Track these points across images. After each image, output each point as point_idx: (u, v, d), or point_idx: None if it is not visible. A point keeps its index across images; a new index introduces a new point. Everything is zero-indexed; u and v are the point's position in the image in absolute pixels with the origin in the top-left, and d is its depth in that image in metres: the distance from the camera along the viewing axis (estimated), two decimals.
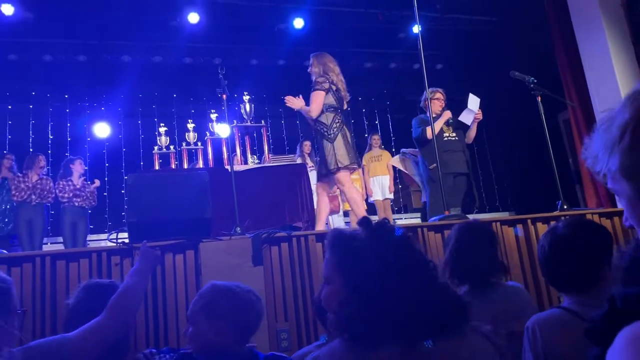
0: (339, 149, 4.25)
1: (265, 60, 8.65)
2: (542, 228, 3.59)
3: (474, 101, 5.08)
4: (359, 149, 7.98)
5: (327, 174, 4.29)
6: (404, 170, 6.60)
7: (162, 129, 6.27)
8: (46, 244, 6.61)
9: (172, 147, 6.15)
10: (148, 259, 1.99)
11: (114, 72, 8.05)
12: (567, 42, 6.28)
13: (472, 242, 2.13)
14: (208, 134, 6.03)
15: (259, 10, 7.64)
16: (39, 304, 2.74)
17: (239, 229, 3.28)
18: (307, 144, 7.50)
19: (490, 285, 2.09)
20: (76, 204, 6.17)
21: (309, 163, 7.09)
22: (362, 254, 1.14)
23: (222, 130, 5.97)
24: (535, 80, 4.36)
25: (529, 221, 3.62)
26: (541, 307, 3.23)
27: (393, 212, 8.11)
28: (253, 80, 7.85)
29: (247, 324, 1.78)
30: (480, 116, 5.13)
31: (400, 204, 9.94)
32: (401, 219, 8.91)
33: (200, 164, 5.85)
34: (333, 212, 7.10)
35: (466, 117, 5.13)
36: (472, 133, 5.25)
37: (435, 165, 4.73)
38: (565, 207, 3.97)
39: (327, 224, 7.25)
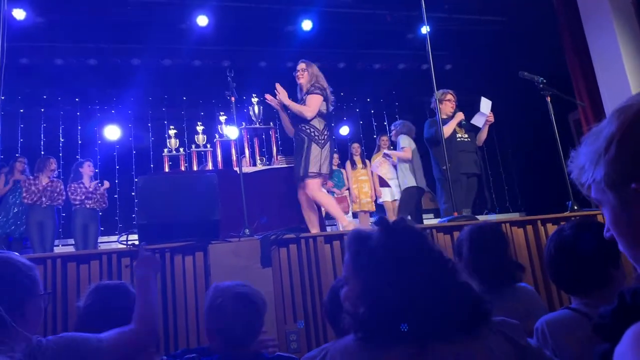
0: (326, 157, 4.31)
1: (274, 62, 8.66)
2: (552, 229, 3.57)
3: (485, 104, 5.10)
4: (368, 150, 8.00)
5: (301, 178, 4.30)
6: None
7: (172, 132, 6.30)
8: (57, 246, 6.66)
9: (181, 149, 6.17)
10: (148, 265, 1.95)
11: (124, 76, 8.11)
12: (577, 41, 6.24)
13: (484, 244, 2.13)
14: (217, 136, 6.05)
15: (267, 12, 7.66)
16: (50, 306, 2.76)
17: (247, 230, 3.29)
18: None
19: (502, 286, 2.09)
20: (88, 206, 6.22)
21: None
22: (376, 253, 1.14)
23: (231, 132, 5.99)
24: (545, 81, 4.34)
25: (539, 222, 3.60)
26: (551, 307, 3.20)
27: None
28: (262, 83, 7.86)
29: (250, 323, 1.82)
30: (491, 119, 5.14)
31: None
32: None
33: (210, 166, 5.87)
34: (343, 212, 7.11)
35: (478, 120, 5.15)
36: (483, 135, 5.26)
37: (448, 165, 4.73)
38: (575, 207, 3.95)
39: (336, 224, 7.27)
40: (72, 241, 6.52)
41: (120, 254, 2.96)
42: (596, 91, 5.92)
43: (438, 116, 4.44)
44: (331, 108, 4.57)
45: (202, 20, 7.45)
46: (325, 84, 4.56)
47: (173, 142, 6.17)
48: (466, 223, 3.45)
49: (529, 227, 3.61)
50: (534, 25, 7.72)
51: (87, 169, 6.39)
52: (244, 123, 5.48)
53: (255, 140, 5.70)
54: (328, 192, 7.25)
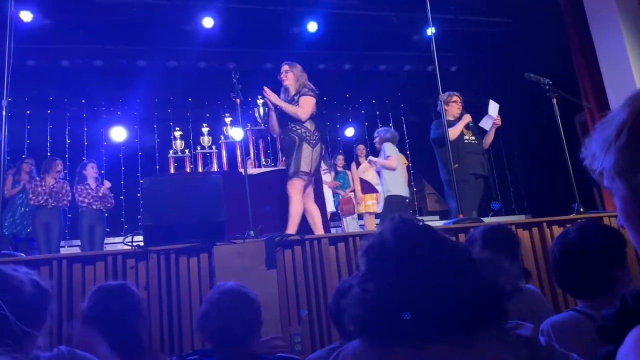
0: (315, 157, 4.36)
1: (279, 64, 8.61)
2: (558, 231, 3.54)
3: (493, 107, 5.10)
4: (373, 151, 7.98)
5: (294, 175, 4.32)
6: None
7: (177, 133, 6.30)
8: (63, 247, 6.69)
9: (187, 150, 6.17)
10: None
11: (130, 77, 8.14)
12: (584, 42, 6.22)
13: (496, 245, 2.13)
14: (222, 138, 6.05)
15: (272, 14, 7.67)
16: (56, 307, 2.76)
17: (252, 232, 3.30)
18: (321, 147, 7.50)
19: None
20: (94, 207, 6.24)
21: (323, 166, 7.09)
22: (388, 250, 1.12)
23: (236, 134, 5.99)
24: (551, 82, 4.33)
25: (544, 224, 3.59)
26: (557, 310, 3.19)
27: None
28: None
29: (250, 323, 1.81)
30: (499, 122, 5.14)
31: (415, 206, 9.90)
32: None
33: (215, 168, 5.88)
34: (348, 213, 7.11)
35: (486, 123, 5.17)
36: (490, 138, 5.26)
37: (457, 165, 4.72)
38: (581, 209, 3.93)
39: (340, 226, 7.27)
40: (77, 242, 6.55)
41: (125, 255, 2.96)
42: (603, 93, 5.89)
43: (443, 118, 4.43)
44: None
45: (208, 22, 7.47)
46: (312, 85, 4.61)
47: (178, 144, 6.17)
48: (471, 225, 3.45)
49: (535, 229, 3.60)
50: (540, 27, 7.69)
51: (91, 171, 6.42)
52: (249, 125, 5.49)
53: (261, 142, 5.71)
54: (333, 193, 7.27)
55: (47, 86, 8.27)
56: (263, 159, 5.54)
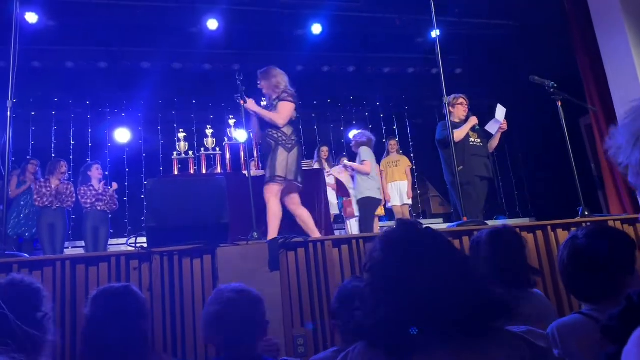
0: (292, 162, 4.29)
1: (284, 66, 8.60)
2: (563, 234, 3.54)
3: (501, 111, 5.11)
4: (377, 154, 7.99)
5: (270, 180, 4.24)
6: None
7: (181, 135, 6.33)
8: (67, 248, 6.70)
9: (191, 152, 6.19)
10: None
11: (134, 79, 8.17)
12: (589, 45, 6.20)
13: (504, 247, 2.13)
14: (226, 140, 6.07)
15: (277, 16, 7.68)
16: (59, 308, 2.77)
17: (256, 234, 3.30)
18: (324, 150, 7.51)
19: (518, 290, 2.09)
20: (98, 208, 6.26)
21: (327, 168, 7.10)
22: (391, 253, 1.12)
23: (240, 135, 6.01)
24: (555, 85, 4.32)
25: (549, 227, 3.58)
26: (561, 313, 3.17)
27: (412, 218, 8.06)
28: None
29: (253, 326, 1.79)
30: (505, 126, 5.15)
31: (419, 209, 9.89)
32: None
33: (219, 169, 5.89)
34: (352, 216, 7.10)
35: (492, 127, 5.18)
36: (495, 142, 5.27)
37: (461, 167, 4.71)
38: (586, 213, 3.92)
39: (344, 228, 7.26)
40: (82, 243, 6.56)
41: (128, 257, 2.96)
42: (608, 95, 5.87)
43: (447, 120, 4.41)
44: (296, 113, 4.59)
45: (213, 24, 7.48)
46: (292, 90, 4.59)
47: (182, 145, 6.19)
48: (475, 228, 3.44)
49: (539, 233, 3.59)
50: (545, 29, 7.68)
51: (96, 172, 6.43)
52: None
53: None
54: (337, 196, 7.26)
55: (51, 87, 8.30)
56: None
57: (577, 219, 3.82)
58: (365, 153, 6.35)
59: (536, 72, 4.48)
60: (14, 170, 6.45)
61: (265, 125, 4.47)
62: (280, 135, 4.37)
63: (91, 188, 6.29)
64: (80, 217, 6.45)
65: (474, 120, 5.14)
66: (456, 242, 3.41)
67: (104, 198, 6.32)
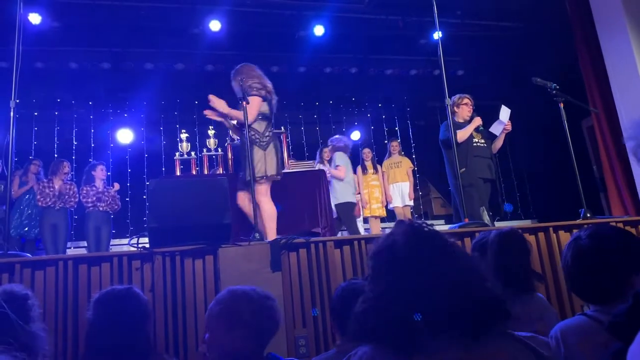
0: (270, 159, 4.15)
1: (286, 67, 8.69)
2: (565, 236, 3.54)
3: (505, 112, 5.05)
4: (379, 155, 7.99)
5: (249, 182, 3.99)
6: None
7: (184, 135, 6.35)
8: (70, 248, 6.72)
9: (193, 153, 6.21)
10: None
11: (137, 80, 8.19)
12: (591, 47, 6.20)
13: (511, 250, 2.13)
14: (228, 140, 6.08)
15: (279, 17, 7.70)
16: (62, 307, 2.78)
17: (257, 234, 3.30)
18: (326, 151, 7.51)
19: (522, 293, 2.09)
20: (100, 208, 6.26)
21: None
22: (399, 254, 1.11)
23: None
24: (558, 87, 4.31)
25: (550, 229, 3.57)
26: (563, 315, 3.17)
27: (413, 219, 8.04)
28: (273, 87, 7.88)
29: (265, 330, 1.75)
30: (509, 128, 5.09)
31: (421, 210, 9.88)
32: None
33: (221, 170, 5.90)
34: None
35: (496, 129, 5.11)
36: (499, 143, 5.21)
37: (464, 169, 4.69)
38: (588, 215, 3.91)
39: (345, 230, 7.25)
40: (84, 243, 6.57)
41: (131, 257, 2.97)
42: (610, 98, 5.87)
43: (449, 121, 4.41)
44: (274, 108, 4.42)
45: (215, 25, 7.50)
46: (266, 83, 4.39)
47: (185, 146, 6.21)
48: (476, 229, 3.44)
49: (541, 234, 3.58)
50: (547, 31, 7.68)
51: (100, 173, 6.44)
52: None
53: None
54: None
55: (54, 88, 8.32)
56: None
57: (579, 221, 3.82)
58: (340, 158, 6.39)
59: (538, 74, 4.48)
60: (17, 170, 6.46)
61: (240, 125, 4.34)
62: (252, 133, 4.20)
63: (94, 188, 6.30)
64: (82, 217, 6.46)
65: (478, 121, 5.10)
66: (458, 244, 3.41)
67: (105, 198, 6.32)
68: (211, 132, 6.20)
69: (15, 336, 1.39)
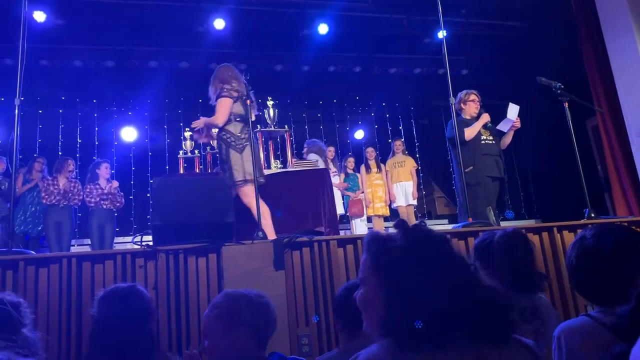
0: (247, 161, 4.02)
1: (290, 65, 8.70)
2: (569, 236, 3.53)
3: (513, 109, 4.90)
4: (383, 154, 7.98)
5: (232, 186, 3.94)
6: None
7: (188, 134, 6.33)
8: (73, 245, 6.74)
9: (197, 151, 6.21)
10: None
11: (141, 78, 8.20)
12: (596, 47, 6.18)
13: (517, 251, 2.13)
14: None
15: (284, 16, 7.70)
16: (65, 305, 2.79)
17: (261, 233, 3.30)
18: (330, 150, 7.51)
19: (528, 293, 2.09)
20: (104, 206, 6.27)
21: (332, 168, 7.10)
22: (399, 255, 1.11)
23: None
24: (562, 86, 4.29)
25: (555, 229, 3.56)
26: (567, 315, 3.17)
27: (417, 219, 8.04)
28: (277, 86, 7.91)
29: (263, 328, 1.76)
30: (518, 124, 4.93)
31: (424, 210, 9.87)
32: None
33: None
34: (357, 216, 7.11)
35: (504, 126, 4.96)
36: (507, 140, 5.06)
37: (471, 167, 4.65)
38: (592, 215, 3.90)
39: (349, 228, 7.26)
40: (88, 241, 6.59)
41: (134, 255, 2.98)
42: (615, 97, 5.85)
43: (453, 120, 4.40)
44: (255, 110, 4.33)
45: (219, 24, 7.50)
46: (238, 85, 4.28)
47: (188, 144, 6.21)
48: (480, 229, 3.43)
49: (545, 234, 3.57)
50: (552, 31, 7.65)
51: (104, 171, 6.45)
52: (259, 126, 5.50)
53: (270, 143, 5.71)
54: (343, 195, 7.27)
55: (59, 86, 8.34)
56: (273, 160, 5.54)
57: (583, 221, 3.81)
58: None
59: (543, 73, 4.46)
60: (21, 168, 6.48)
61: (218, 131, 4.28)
62: (228, 136, 4.13)
63: (97, 187, 6.31)
64: (86, 214, 6.48)
65: (486, 117, 4.93)
66: (461, 243, 3.41)
67: (109, 196, 6.33)
68: (215, 131, 6.19)
69: (16, 334, 1.40)
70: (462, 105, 5.02)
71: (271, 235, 3.83)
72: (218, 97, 4.17)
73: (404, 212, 7.36)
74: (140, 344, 1.86)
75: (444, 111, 8.95)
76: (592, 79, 6.31)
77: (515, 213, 9.20)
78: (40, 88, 7.97)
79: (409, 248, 1.11)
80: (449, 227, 6.55)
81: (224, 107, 4.13)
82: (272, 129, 5.46)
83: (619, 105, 5.78)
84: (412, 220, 7.42)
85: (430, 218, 9.94)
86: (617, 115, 5.87)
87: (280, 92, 7.82)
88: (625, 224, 3.67)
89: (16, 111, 3.46)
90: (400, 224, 1.19)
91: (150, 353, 1.92)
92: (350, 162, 7.57)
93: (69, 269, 2.85)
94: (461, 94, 5.02)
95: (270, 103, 5.46)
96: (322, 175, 5.20)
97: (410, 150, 8.56)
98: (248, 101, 4.11)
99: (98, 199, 6.25)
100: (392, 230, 1.20)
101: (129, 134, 8.56)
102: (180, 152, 6.20)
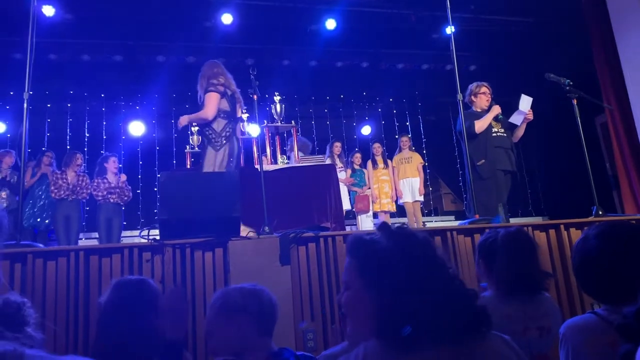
0: (222, 160, 4.01)
1: (297, 61, 8.69)
2: (576, 233, 3.52)
3: (526, 101, 4.79)
4: (389, 150, 7.97)
5: None
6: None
7: (195, 128, 6.36)
8: (81, 239, 6.78)
9: None
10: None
11: (149, 72, 8.22)
12: (606, 43, 6.13)
13: (521, 250, 2.12)
14: (239, 134, 6.09)
15: (291, 11, 7.69)
16: (73, 297, 2.81)
17: (267, 228, 3.30)
18: (337, 145, 7.51)
19: (532, 293, 2.09)
20: (112, 200, 6.31)
21: (339, 164, 7.10)
22: (385, 257, 1.13)
23: (253, 130, 6.03)
24: (571, 83, 4.25)
25: (562, 226, 3.55)
26: (574, 312, 3.16)
27: (423, 215, 8.04)
28: (284, 81, 7.91)
29: (264, 314, 1.79)
30: (531, 116, 4.81)
31: (431, 206, 9.86)
32: (432, 221, 8.83)
33: None
34: (363, 211, 7.11)
35: (517, 119, 4.84)
36: (520, 132, 4.95)
37: (483, 161, 4.61)
38: (600, 212, 3.87)
39: (355, 224, 7.26)
40: (96, 234, 6.63)
41: (141, 249, 2.99)
42: (624, 94, 5.81)
43: (460, 113, 4.36)
44: (243, 108, 4.31)
45: (227, 19, 7.51)
46: (226, 81, 4.27)
47: (196, 139, 6.23)
48: (486, 226, 3.42)
49: (552, 232, 3.56)
50: (561, 27, 7.60)
51: (112, 165, 6.48)
52: (265, 121, 5.51)
53: (277, 138, 5.73)
54: (349, 191, 7.27)
55: (67, 80, 8.38)
56: (279, 156, 5.55)
57: (590, 219, 3.78)
58: None
59: (552, 70, 4.42)
60: (29, 162, 6.52)
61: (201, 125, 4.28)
62: (210, 132, 4.11)
63: (105, 181, 6.35)
64: (94, 208, 6.52)
65: (497, 109, 4.83)
66: (467, 240, 3.40)
67: (117, 190, 6.36)
68: (195, 129, 6.21)
69: (20, 332, 1.41)
70: (472, 97, 4.92)
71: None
72: (206, 91, 4.15)
73: (410, 208, 7.35)
74: (147, 334, 1.87)
75: (452, 107, 8.92)
76: (601, 75, 6.27)
77: (523, 210, 9.18)
78: (49, 82, 8.01)
79: (394, 250, 1.13)
80: (456, 223, 6.54)
81: (213, 101, 4.11)
82: (279, 124, 5.46)
83: (629, 102, 5.74)
84: (419, 217, 7.42)
85: (436, 214, 9.93)
86: (627, 112, 5.83)
87: (287, 87, 7.81)
88: (634, 222, 3.65)
89: (25, 105, 3.47)
90: (384, 227, 1.20)
91: (157, 346, 1.93)
92: (357, 157, 7.57)
93: (77, 262, 2.87)
94: (472, 86, 4.94)
95: (277, 98, 5.47)
96: (329, 171, 5.20)
97: (417, 147, 8.55)
98: (236, 95, 4.15)
99: (106, 192, 6.28)
100: (374, 233, 1.22)
101: (136, 128, 8.60)
102: (188, 146, 6.23)
